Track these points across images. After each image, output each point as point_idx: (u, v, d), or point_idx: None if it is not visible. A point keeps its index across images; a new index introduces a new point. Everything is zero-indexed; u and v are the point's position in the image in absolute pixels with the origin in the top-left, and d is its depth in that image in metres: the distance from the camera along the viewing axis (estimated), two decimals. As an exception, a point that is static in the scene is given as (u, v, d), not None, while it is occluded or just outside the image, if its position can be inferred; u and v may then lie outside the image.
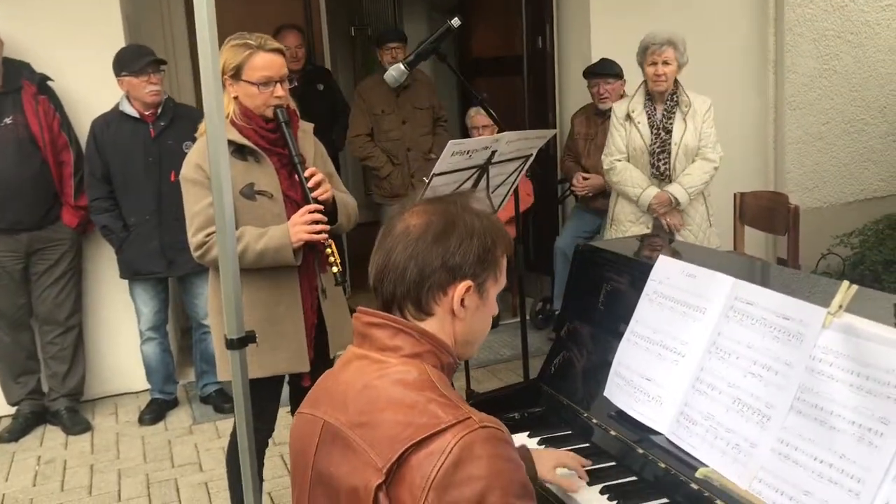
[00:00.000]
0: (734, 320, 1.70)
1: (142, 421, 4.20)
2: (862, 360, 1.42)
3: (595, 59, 4.93)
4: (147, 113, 4.04)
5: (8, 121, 3.95)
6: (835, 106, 5.85)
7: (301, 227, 2.45)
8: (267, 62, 2.47)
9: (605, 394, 1.95)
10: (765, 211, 4.58)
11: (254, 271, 2.51)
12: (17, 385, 4.20)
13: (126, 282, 4.23)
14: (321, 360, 2.74)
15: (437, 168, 2.31)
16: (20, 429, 4.14)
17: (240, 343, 2.36)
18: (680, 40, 4.01)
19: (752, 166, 5.68)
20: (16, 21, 4.10)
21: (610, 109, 4.83)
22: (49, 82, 4.09)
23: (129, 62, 3.96)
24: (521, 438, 2.05)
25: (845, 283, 1.49)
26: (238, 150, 2.48)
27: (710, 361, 1.72)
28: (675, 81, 4.03)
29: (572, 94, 5.39)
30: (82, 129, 4.18)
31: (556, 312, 5.24)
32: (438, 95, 5.61)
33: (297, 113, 2.65)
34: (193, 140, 3.97)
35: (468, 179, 2.45)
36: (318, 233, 2.46)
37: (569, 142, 5.21)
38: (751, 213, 4.65)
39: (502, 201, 2.76)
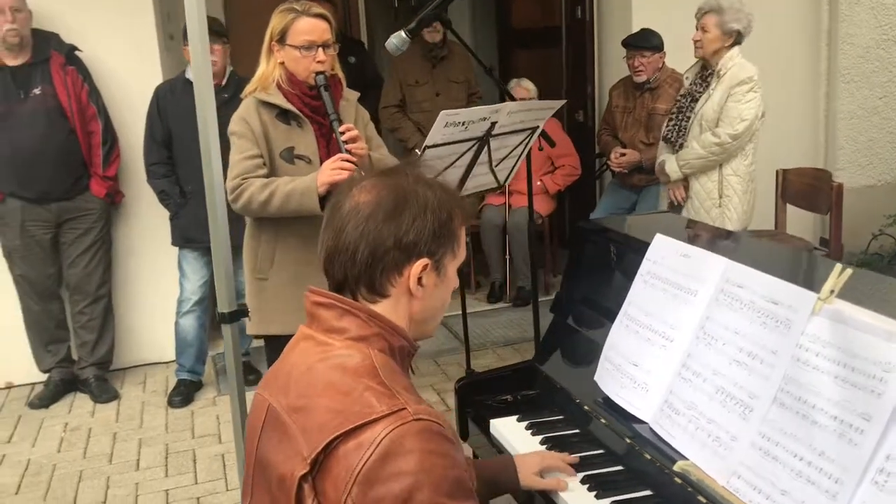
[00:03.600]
0: (724, 304, 1.59)
1: (171, 403, 4.16)
2: (850, 350, 1.30)
3: (636, 30, 4.75)
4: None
5: (37, 91, 3.98)
6: (893, 79, 5.55)
7: (327, 170, 2.42)
8: (310, 26, 2.51)
9: (595, 378, 1.86)
10: (808, 188, 4.38)
11: (286, 230, 2.53)
12: (48, 353, 4.27)
13: (154, 253, 4.25)
14: None
15: (429, 139, 2.22)
16: (50, 396, 4.21)
17: (231, 317, 2.34)
18: (728, 7, 3.81)
19: (801, 142, 5.44)
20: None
21: (645, 82, 4.70)
22: (77, 52, 4.10)
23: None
24: (509, 422, 1.98)
25: (838, 266, 1.37)
26: (282, 114, 2.54)
27: (698, 347, 1.61)
28: (724, 50, 3.81)
29: (612, 65, 5.22)
30: (111, 100, 4.21)
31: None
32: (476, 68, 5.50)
33: (343, 81, 2.67)
34: None
35: (467, 152, 2.36)
36: (351, 170, 2.40)
37: (606, 115, 5.06)
38: (793, 191, 4.45)
39: (509, 175, 2.66)
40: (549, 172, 5.34)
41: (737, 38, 3.81)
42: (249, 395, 4.10)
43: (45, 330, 4.26)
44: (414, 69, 5.28)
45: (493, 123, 2.33)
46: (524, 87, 5.26)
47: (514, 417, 1.99)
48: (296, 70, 2.52)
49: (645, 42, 4.64)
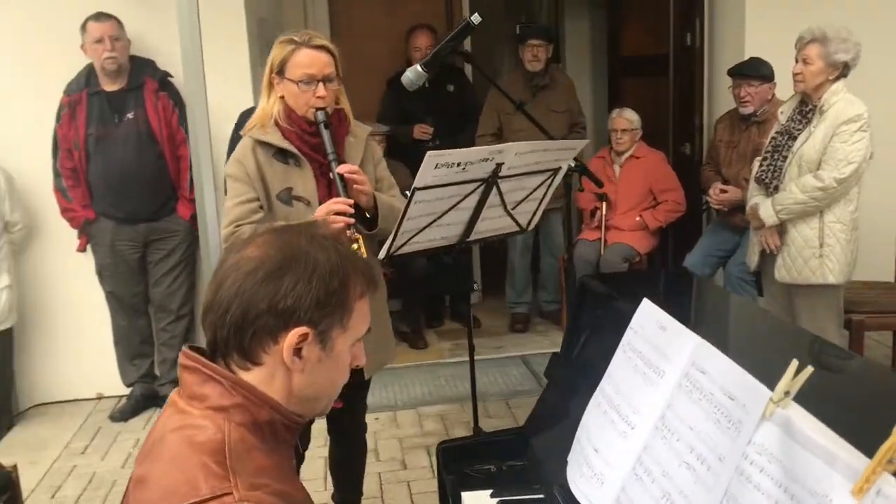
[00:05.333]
0: (685, 391, 1.35)
1: None
2: (792, 471, 1.06)
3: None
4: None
5: (130, 116, 4.15)
6: None
7: (321, 218, 2.27)
8: (310, 59, 2.35)
9: (568, 459, 1.65)
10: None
11: None
12: (132, 367, 4.43)
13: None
14: (355, 379, 2.59)
15: (418, 181, 2.08)
16: (131, 410, 4.36)
17: None
18: (835, 37, 3.44)
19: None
20: (147, 22, 4.29)
21: (752, 115, 4.35)
22: (170, 78, 4.25)
23: None
24: (481, 498, 1.80)
25: (795, 362, 1.12)
26: (279, 153, 2.41)
27: (655, 440, 1.38)
28: (828, 84, 3.45)
29: (722, 96, 4.86)
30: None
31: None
32: (584, 97, 5.31)
33: (350, 115, 2.52)
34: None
35: (471, 194, 2.20)
36: (346, 226, 2.27)
37: (710, 148, 4.72)
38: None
39: (532, 218, 2.47)
40: (651, 207, 5.05)
41: (843, 71, 3.43)
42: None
43: (130, 345, 4.42)
44: (513, 97, 5.13)
45: (499, 165, 2.16)
46: (626, 117, 5.01)
47: (489, 492, 1.80)
48: (295, 105, 2.38)
49: (752, 71, 4.29)
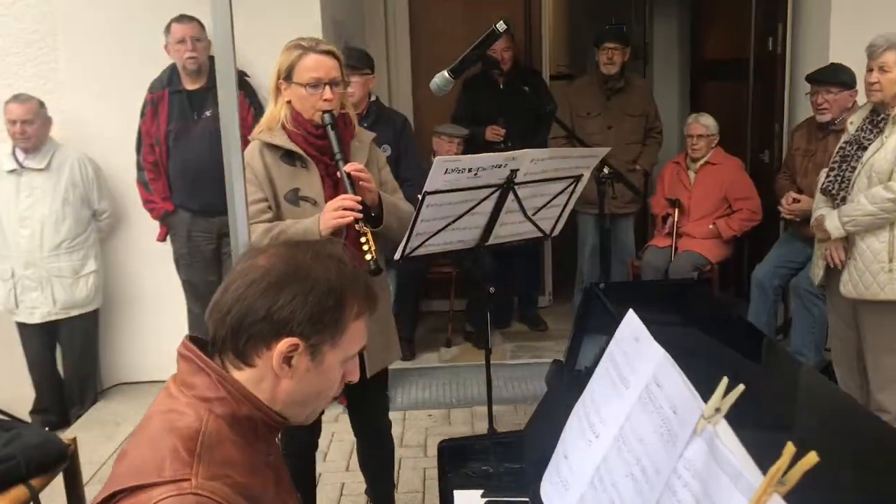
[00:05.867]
0: (644, 404, 1.35)
1: None
2: (707, 487, 1.06)
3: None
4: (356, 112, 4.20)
5: (207, 114, 4.34)
6: None
7: (329, 213, 2.38)
8: (317, 63, 2.44)
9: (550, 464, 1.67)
10: None
11: None
12: (204, 353, 4.64)
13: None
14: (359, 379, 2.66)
15: (428, 185, 2.12)
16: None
17: None
18: (916, 44, 3.30)
19: None
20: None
21: (830, 123, 4.20)
22: (246, 78, 4.42)
23: (358, 64, 4.14)
24: (471, 498, 1.83)
25: (725, 380, 1.12)
26: (286, 155, 2.50)
27: (612, 451, 1.39)
28: None
29: (804, 103, 4.70)
30: (275, 124, 4.49)
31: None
32: (671, 101, 5.23)
33: (354, 120, 2.61)
34: (391, 144, 4.10)
35: (486, 199, 2.22)
36: (354, 220, 2.35)
37: (787, 157, 4.57)
38: None
39: (556, 224, 2.47)
40: (726, 216, 4.92)
41: (919, 79, 3.28)
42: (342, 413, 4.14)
43: (203, 333, 4.61)
44: (587, 100, 5.12)
45: (514, 171, 2.18)
46: (702, 122, 4.91)
47: (479, 492, 1.84)
48: (302, 108, 2.46)
49: (832, 77, 4.13)
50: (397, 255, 2.31)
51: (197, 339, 1.34)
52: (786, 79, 4.81)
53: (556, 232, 2.49)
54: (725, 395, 1.11)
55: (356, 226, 2.30)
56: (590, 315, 1.94)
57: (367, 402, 2.79)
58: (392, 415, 4.23)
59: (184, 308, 4.64)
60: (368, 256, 2.28)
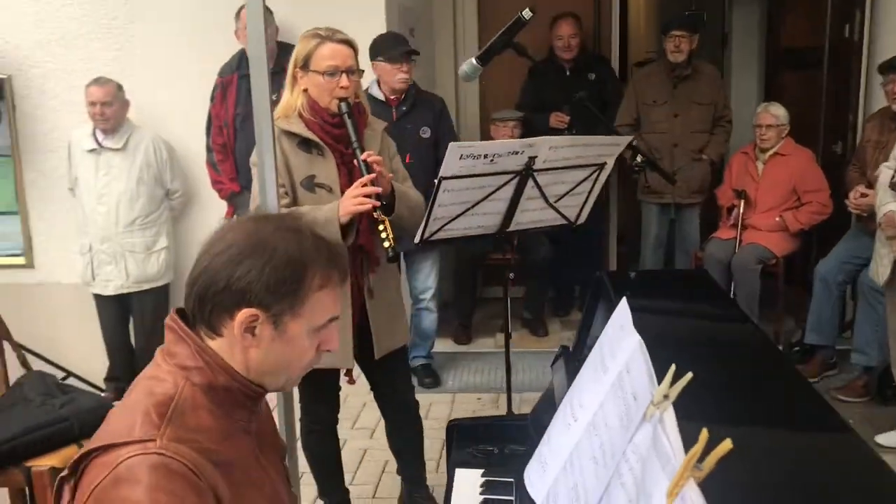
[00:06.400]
0: (616, 391, 1.37)
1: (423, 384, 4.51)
2: (644, 472, 1.07)
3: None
4: (392, 97, 4.29)
5: (273, 97, 4.47)
6: None
7: (349, 200, 2.43)
8: (333, 52, 2.52)
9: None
10: None
11: None
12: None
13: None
14: (367, 360, 2.72)
15: (443, 170, 2.14)
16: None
17: None
18: None
19: None
20: (293, 9, 4.60)
21: (903, 113, 4.03)
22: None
23: (387, 49, 4.22)
24: (470, 476, 1.87)
25: (673, 367, 1.13)
26: (303, 143, 2.57)
27: (584, 435, 1.40)
28: None
29: (880, 92, 4.51)
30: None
31: (810, 346, 4.52)
32: (748, 90, 5.10)
33: (366, 110, 2.66)
34: (430, 127, 4.18)
35: (505, 186, 2.23)
36: (373, 207, 2.40)
37: (858, 149, 4.41)
38: None
39: (581, 211, 2.47)
40: (794, 208, 4.78)
41: None
42: (421, 397, 4.32)
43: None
44: (653, 88, 5.04)
45: (532, 158, 2.18)
46: (771, 112, 4.77)
47: (480, 472, 1.88)
48: (319, 96, 2.51)
49: (907, 67, 3.97)
50: (416, 239, 2.36)
51: (184, 311, 1.40)
52: (862, 67, 4.62)
53: (582, 220, 2.49)
54: (675, 383, 1.12)
55: (374, 213, 2.35)
56: (598, 303, 1.95)
57: (384, 384, 2.86)
58: (440, 396, 4.35)
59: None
60: (386, 244, 2.33)
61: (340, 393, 2.89)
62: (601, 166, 2.33)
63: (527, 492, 1.51)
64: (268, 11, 4.47)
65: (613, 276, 1.95)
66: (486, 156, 2.13)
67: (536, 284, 5.20)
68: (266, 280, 1.30)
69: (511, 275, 2.63)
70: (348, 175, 2.53)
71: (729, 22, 6.53)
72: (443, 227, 2.30)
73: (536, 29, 5.64)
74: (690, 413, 1.12)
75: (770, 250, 4.70)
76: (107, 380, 4.79)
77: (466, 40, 5.75)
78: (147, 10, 4.76)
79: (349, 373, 2.76)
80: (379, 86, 4.31)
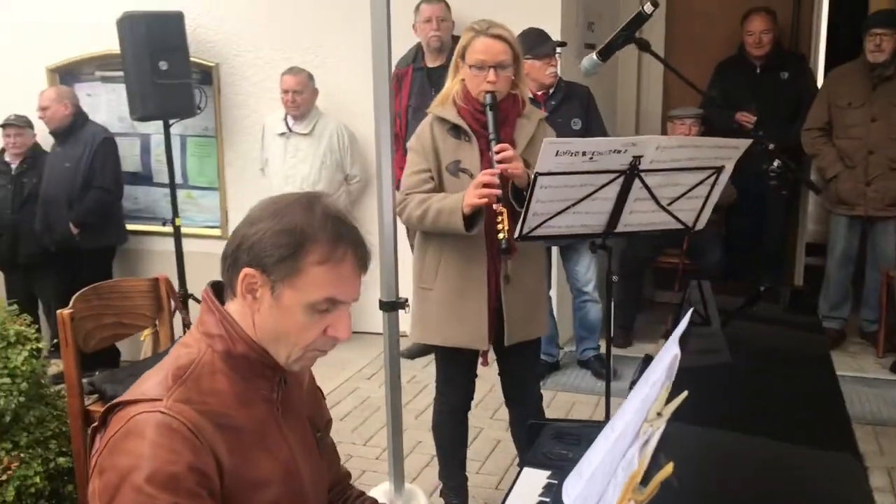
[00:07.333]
0: (643, 403, 1.31)
1: None
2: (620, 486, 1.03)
3: None
4: (540, 93, 4.27)
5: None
6: None
7: (472, 191, 2.50)
8: (485, 46, 2.59)
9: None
10: None
11: (450, 244, 2.66)
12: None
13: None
14: (500, 346, 2.75)
15: (539, 166, 2.10)
16: (419, 351, 4.88)
17: (390, 306, 2.58)
18: None
19: None
20: (470, 4, 4.67)
21: None
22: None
23: (533, 46, 4.21)
24: (535, 477, 1.85)
25: (668, 385, 1.07)
26: (453, 129, 2.68)
27: (612, 447, 1.36)
28: None
29: None
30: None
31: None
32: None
33: (525, 100, 2.71)
34: (581, 118, 4.15)
35: (608, 185, 2.15)
36: (491, 199, 2.45)
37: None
38: None
39: (698, 217, 2.32)
40: None
41: None
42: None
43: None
44: (848, 89, 4.64)
45: (637, 157, 2.08)
46: None
47: (547, 473, 1.85)
48: (470, 87, 2.61)
49: None
50: (515, 235, 2.36)
51: (220, 285, 1.49)
52: None
53: (700, 226, 2.36)
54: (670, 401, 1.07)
55: (494, 206, 2.39)
56: (693, 309, 1.86)
57: (511, 373, 2.89)
58: (586, 397, 4.29)
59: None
60: (501, 235, 2.36)
61: (484, 382, 2.96)
62: (719, 169, 2.20)
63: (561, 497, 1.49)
64: (445, 6, 4.62)
65: (704, 289, 1.85)
66: (584, 153, 2.08)
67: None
68: (266, 242, 1.36)
69: (615, 277, 2.55)
70: (490, 162, 2.58)
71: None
72: (542, 223, 2.28)
73: (728, 23, 5.38)
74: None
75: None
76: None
77: (652, 35, 5.55)
78: (340, 3, 5.03)
79: (484, 355, 2.82)
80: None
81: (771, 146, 2.33)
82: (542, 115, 2.74)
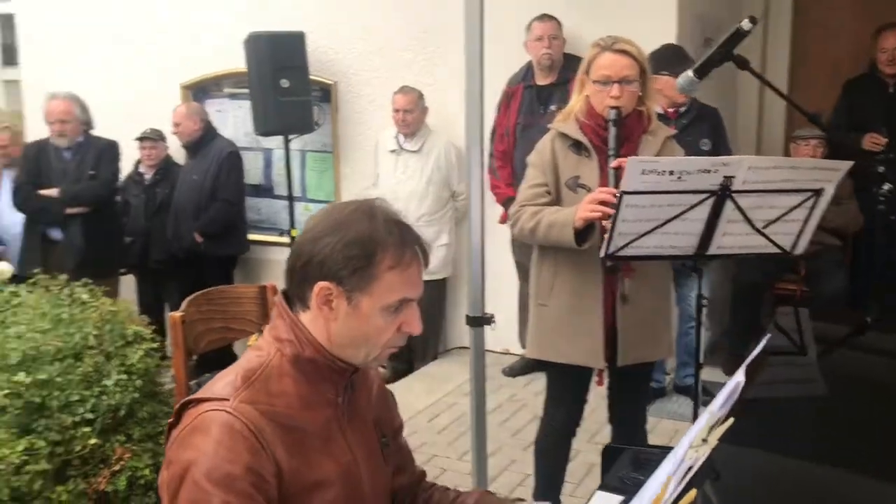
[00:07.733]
0: (699, 427, 1.27)
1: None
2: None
3: None
4: (670, 110, 4.20)
5: (553, 108, 4.57)
6: None
7: (585, 205, 2.46)
8: (609, 62, 2.57)
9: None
10: None
11: (564, 259, 2.64)
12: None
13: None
14: (612, 365, 2.69)
15: (624, 185, 2.05)
16: (520, 368, 4.88)
17: (476, 322, 2.59)
18: None
19: None
20: (583, 22, 4.66)
21: None
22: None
23: (670, 64, 4.14)
24: (611, 500, 1.81)
25: (711, 411, 1.04)
26: (574, 145, 2.66)
27: (668, 468, 1.32)
28: None
29: None
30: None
31: None
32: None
33: (652, 117, 2.68)
34: (710, 139, 4.07)
35: (698, 206, 2.07)
36: (603, 214, 2.41)
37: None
38: None
39: (797, 240, 2.20)
40: None
41: None
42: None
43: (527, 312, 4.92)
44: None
45: (728, 178, 2.00)
46: None
47: (620, 499, 1.81)
48: (595, 102, 2.58)
49: None
50: (602, 253, 2.31)
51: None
52: None
53: (799, 250, 2.24)
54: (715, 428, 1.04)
55: (603, 222, 2.37)
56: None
57: (619, 393, 2.84)
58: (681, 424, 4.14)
59: (517, 287, 4.97)
60: (603, 253, 2.32)
61: (586, 405, 2.93)
62: (818, 192, 2.10)
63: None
64: (557, 24, 4.62)
65: (793, 316, 1.77)
66: (671, 172, 2.03)
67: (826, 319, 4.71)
68: (338, 256, 1.41)
69: (705, 301, 2.46)
70: (608, 179, 2.54)
71: None
72: (630, 243, 2.24)
73: (858, 40, 5.12)
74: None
75: None
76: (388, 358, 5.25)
77: (776, 51, 5.37)
78: (453, 22, 5.11)
79: (600, 374, 2.79)
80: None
81: (881, 169, 2.21)
82: (670, 133, 2.69)
